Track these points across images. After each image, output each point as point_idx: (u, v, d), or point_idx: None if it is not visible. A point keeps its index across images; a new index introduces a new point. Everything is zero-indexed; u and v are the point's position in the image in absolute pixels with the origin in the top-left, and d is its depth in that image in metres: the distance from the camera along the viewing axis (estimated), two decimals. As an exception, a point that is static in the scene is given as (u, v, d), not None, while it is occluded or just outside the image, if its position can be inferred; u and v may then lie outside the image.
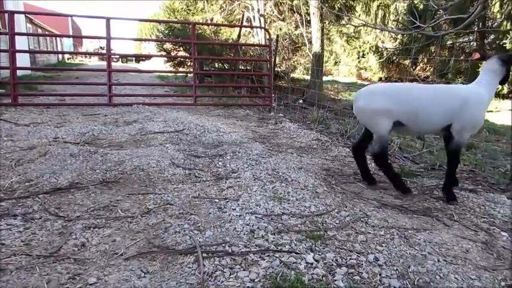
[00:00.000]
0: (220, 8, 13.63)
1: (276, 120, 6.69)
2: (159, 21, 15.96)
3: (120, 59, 33.29)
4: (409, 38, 12.47)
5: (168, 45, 14.17)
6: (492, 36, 12.20)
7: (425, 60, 14.37)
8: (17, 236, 2.17)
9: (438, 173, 3.95)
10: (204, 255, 2.03)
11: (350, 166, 4.03)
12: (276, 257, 2.02)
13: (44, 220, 2.40)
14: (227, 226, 2.38)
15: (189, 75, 13.95)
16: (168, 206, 2.71)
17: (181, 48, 13.78)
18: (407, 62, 14.22)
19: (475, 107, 2.96)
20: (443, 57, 12.19)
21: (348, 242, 2.27)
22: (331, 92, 13.87)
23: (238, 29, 12.20)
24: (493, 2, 9.72)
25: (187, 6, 15.69)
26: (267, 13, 12.76)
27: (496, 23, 11.53)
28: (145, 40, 35.53)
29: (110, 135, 4.71)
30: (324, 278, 1.88)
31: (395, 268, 2.00)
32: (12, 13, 6.96)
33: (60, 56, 28.94)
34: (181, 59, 13.92)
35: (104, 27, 7.01)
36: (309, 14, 10.32)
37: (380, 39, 15.75)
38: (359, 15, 13.37)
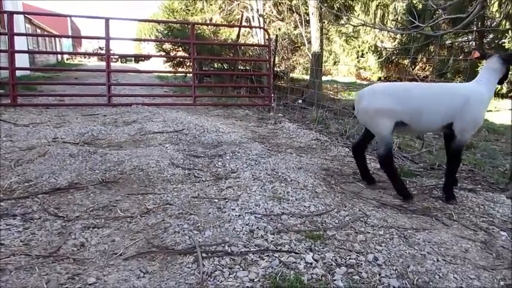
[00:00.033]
0: (220, 8, 13.64)
1: (276, 120, 6.69)
2: (158, 22, 15.95)
3: (119, 59, 33.28)
4: (408, 38, 12.48)
5: (167, 46, 14.16)
6: (491, 36, 12.21)
7: (425, 59, 14.38)
8: (16, 236, 2.17)
9: (437, 172, 3.95)
10: (204, 255, 2.02)
11: (349, 166, 4.03)
12: (276, 257, 2.02)
13: (43, 220, 2.40)
14: (226, 226, 2.38)
15: (188, 75, 13.95)
16: (168, 206, 2.71)
17: (181, 49, 13.77)
18: (406, 61, 14.24)
19: (475, 105, 2.95)
20: (442, 57, 12.20)
21: (347, 242, 2.27)
22: (331, 92, 13.88)
23: (237, 29, 12.20)
24: (492, 2, 9.74)
25: (187, 7, 15.69)
26: (266, 13, 12.77)
27: (495, 23, 11.54)
28: (144, 40, 35.49)
29: (109, 136, 4.71)
30: (323, 278, 1.88)
31: (394, 268, 2.00)
32: (11, 13, 6.95)
33: (59, 56, 28.90)
34: (181, 59, 13.91)
35: (103, 28, 7.01)
36: (308, 14, 10.33)
37: (379, 38, 15.77)
38: (358, 15, 13.37)
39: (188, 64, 13.66)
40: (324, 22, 11.48)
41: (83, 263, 1.95)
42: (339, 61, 20.43)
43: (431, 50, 12.54)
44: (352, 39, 16.94)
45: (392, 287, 1.84)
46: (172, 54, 14.09)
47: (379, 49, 15.26)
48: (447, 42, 13.35)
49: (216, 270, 1.89)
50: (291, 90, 10.22)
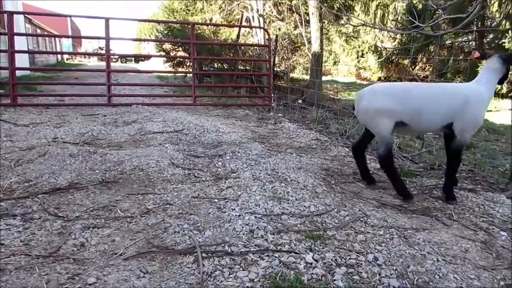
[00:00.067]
0: (220, 8, 13.64)
1: (276, 120, 6.69)
2: (158, 22, 15.95)
3: (119, 59, 33.29)
4: (408, 38, 12.48)
5: (167, 46, 14.16)
6: (491, 36, 12.21)
7: (425, 59, 14.38)
8: (16, 236, 2.17)
9: (437, 172, 3.95)
10: (204, 255, 2.02)
11: (349, 166, 4.03)
12: (276, 257, 2.02)
13: (43, 220, 2.40)
14: (226, 226, 2.38)
15: (188, 75, 13.95)
16: (168, 206, 2.71)
17: (181, 49, 13.77)
18: (406, 61, 14.24)
19: (475, 105, 2.95)
20: (442, 57, 12.20)
21: (347, 242, 2.27)
22: (331, 92, 13.87)
23: (237, 29, 12.19)
24: (492, 2, 9.74)
25: (187, 7, 15.69)
26: (266, 13, 12.77)
27: (494, 23, 11.54)
28: (144, 40, 35.52)
29: (109, 136, 4.71)
30: (323, 278, 1.88)
31: (394, 268, 2.00)
32: (11, 13, 6.95)
33: (59, 56, 28.92)
34: (181, 59, 13.91)
35: (103, 28, 7.01)
36: (308, 14, 10.33)
37: (379, 38, 15.77)
38: (358, 15, 13.37)
39: (188, 64, 13.66)
40: (324, 22, 11.48)
41: (83, 263, 1.95)
42: (339, 61, 20.43)
43: (431, 50, 12.54)
44: (352, 39, 16.94)
45: (392, 287, 1.84)
46: (172, 54, 14.09)
47: (379, 49, 15.26)
48: (447, 42, 13.35)
49: (216, 270, 1.89)
50: (291, 90, 10.22)
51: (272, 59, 9.24)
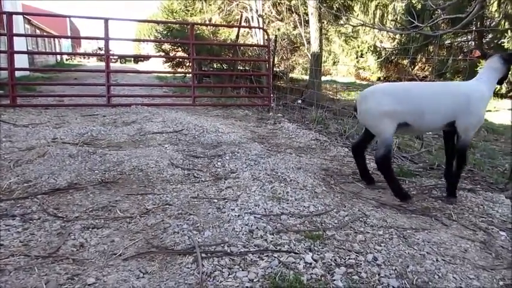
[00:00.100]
0: (219, 9, 13.62)
1: (275, 121, 6.69)
2: (158, 22, 15.93)
3: (118, 60, 33.28)
4: (407, 38, 12.48)
5: (166, 46, 14.16)
6: (490, 36, 12.21)
7: (424, 59, 14.39)
8: (15, 236, 2.17)
9: (436, 172, 3.96)
10: (203, 255, 2.02)
11: (349, 166, 4.04)
12: (275, 257, 2.02)
13: (42, 221, 2.39)
14: (226, 226, 2.38)
15: (187, 75, 13.94)
16: (167, 206, 2.71)
17: (180, 49, 13.77)
18: (405, 61, 14.24)
19: (477, 102, 2.96)
20: (441, 57, 12.21)
21: (347, 242, 2.27)
22: (330, 92, 13.87)
23: (236, 29, 12.20)
24: (491, 1, 9.74)
25: (186, 7, 15.67)
26: (265, 13, 12.76)
27: (494, 22, 11.54)
28: (143, 41, 35.47)
29: (109, 136, 4.71)
30: (322, 278, 1.88)
31: (394, 268, 2.00)
32: (10, 14, 6.95)
33: (58, 57, 28.91)
34: (180, 60, 13.90)
35: (102, 28, 7.01)
36: (307, 14, 10.33)
37: (378, 39, 15.78)
38: (357, 15, 13.37)
39: (187, 64, 13.66)
40: (323, 22, 11.48)
41: (82, 264, 1.95)
42: (338, 61, 20.45)
43: (431, 50, 12.54)
44: (352, 40, 16.96)
45: (391, 287, 1.85)
46: (171, 54, 14.09)
47: (378, 49, 15.27)
48: (446, 42, 13.34)
49: (215, 271, 1.89)
50: (290, 91, 10.21)
51: (271, 59, 9.24)
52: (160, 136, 4.79)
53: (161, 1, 18.84)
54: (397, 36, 14.10)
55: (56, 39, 32.82)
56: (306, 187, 3.19)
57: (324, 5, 10.48)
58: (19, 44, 10.83)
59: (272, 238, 2.24)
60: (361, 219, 2.62)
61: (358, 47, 17.01)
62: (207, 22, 13.54)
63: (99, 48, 35.07)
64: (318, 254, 2.09)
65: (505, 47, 9.92)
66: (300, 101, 9.40)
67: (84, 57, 38.04)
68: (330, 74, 22.93)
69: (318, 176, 3.57)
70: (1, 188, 2.86)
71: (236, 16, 13.21)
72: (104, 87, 7.29)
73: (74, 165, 3.39)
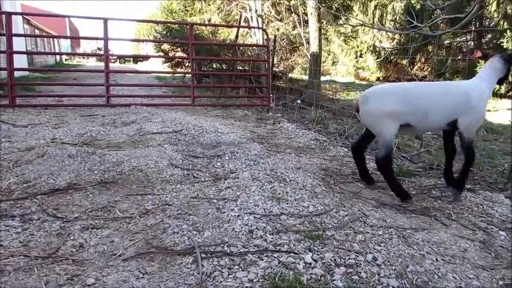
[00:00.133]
0: (218, 9, 13.62)
1: (274, 121, 6.69)
2: (157, 22, 15.92)
3: (117, 60, 33.25)
4: (407, 38, 12.48)
5: (166, 46, 14.15)
6: (489, 36, 12.23)
7: (423, 59, 14.41)
8: (15, 237, 2.17)
9: (436, 172, 3.96)
10: (203, 255, 2.02)
11: (348, 166, 4.04)
12: (275, 257, 2.02)
13: (42, 221, 2.39)
14: (226, 226, 2.38)
15: (187, 75, 13.93)
16: (167, 206, 2.71)
17: (179, 49, 13.76)
18: (404, 61, 14.24)
19: (477, 101, 2.97)
20: (440, 57, 12.21)
21: (347, 242, 2.27)
22: (329, 92, 13.86)
23: (236, 29, 12.18)
24: (490, 1, 9.75)
25: (185, 7, 15.66)
26: (265, 13, 12.76)
27: (493, 22, 11.56)
28: (143, 41, 35.43)
29: (108, 136, 4.71)
30: (322, 278, 1.88)
31: (393, 268, 2.00)
32: (9, 14, 6.94)
33: (57, 57, 28.88)
34: (179, 60, 13.89)
35: (102, 28, 7.00)
36: (306, 14, 10.33)
37: (377, 39, 15.79)
38: (356, 15, 13.38)
39: (187, 64, 13.65)
40: (323, 22, 11.48)
41: (82, 264, 1.95)
42: (337, 61, 20.45)
43: (430, 50, 12.55)
44: (351, 39, 16.97)
45: (391, 286, 1.85)
46: (170, 54, 14.08)
47: (377, 49, 15.27)
48: (445, 42, 13.35)
49: (215, 271, 1.89)
50: (289, 91, 10.20)
51: (271, 59, 9.24)
52: (159, 136, 4.79)
53: (160, 1, 18.84)
54: (396, 36, 14.11)
55: (55, 40, 32.80)
56: (305, 187, 3.19)
57: (323, 5, 10.49)
58: (18, 44, 10.82)
59: (272, 238, 2.24)
60: (360, 219, 2.62)
61: (358, 47, 17.01)
62: (207, 22, 13.54)
63: (99, 49, 35.09)
64: (317, 254, 2.08)
65: (504, 47, 9.93)
66: (299, 101, 9.39)
67: (83, 58, 38.02)
68: (329, 74, 22.94)
69: (318, 176, 3.57)
70: (1, 188, 2.86)
71: (235, 16, 13.21)
72: (103, 87, 7.28)
73: (73, 166, 3.39)
